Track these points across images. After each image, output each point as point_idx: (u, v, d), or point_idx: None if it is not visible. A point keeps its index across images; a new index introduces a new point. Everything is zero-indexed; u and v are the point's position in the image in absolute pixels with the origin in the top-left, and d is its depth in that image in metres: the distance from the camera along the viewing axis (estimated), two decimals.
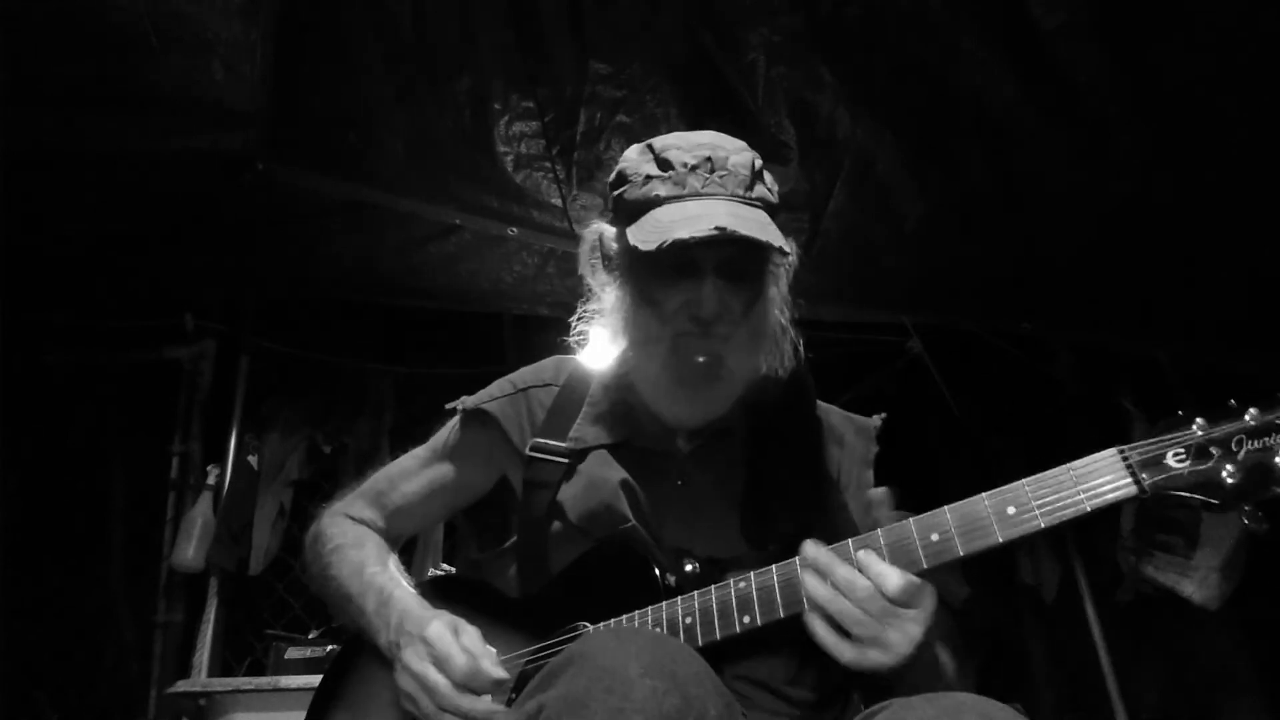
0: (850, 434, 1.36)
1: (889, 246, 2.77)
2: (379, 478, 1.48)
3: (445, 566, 3.16)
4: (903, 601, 0.96)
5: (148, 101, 2.26)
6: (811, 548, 1.02)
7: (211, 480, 3.36)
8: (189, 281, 3.41)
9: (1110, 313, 3.00)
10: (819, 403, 1.38)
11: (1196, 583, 3.01)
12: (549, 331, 3.52)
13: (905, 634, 0.96)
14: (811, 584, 1.00)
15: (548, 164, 2.58)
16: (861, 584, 0.97)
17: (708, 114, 2.31)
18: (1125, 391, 3.30)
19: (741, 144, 1.27)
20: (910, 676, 0.98)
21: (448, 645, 1.11)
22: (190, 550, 3.18)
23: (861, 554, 0.99)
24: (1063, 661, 3.72)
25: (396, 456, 1.51)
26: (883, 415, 1.38)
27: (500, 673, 1.10)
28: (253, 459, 3.43)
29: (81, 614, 3.20)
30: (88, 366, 3.32)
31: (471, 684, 1.09)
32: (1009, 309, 3.12)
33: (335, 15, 2.16)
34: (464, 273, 3.26)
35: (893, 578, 0.96)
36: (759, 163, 1.26)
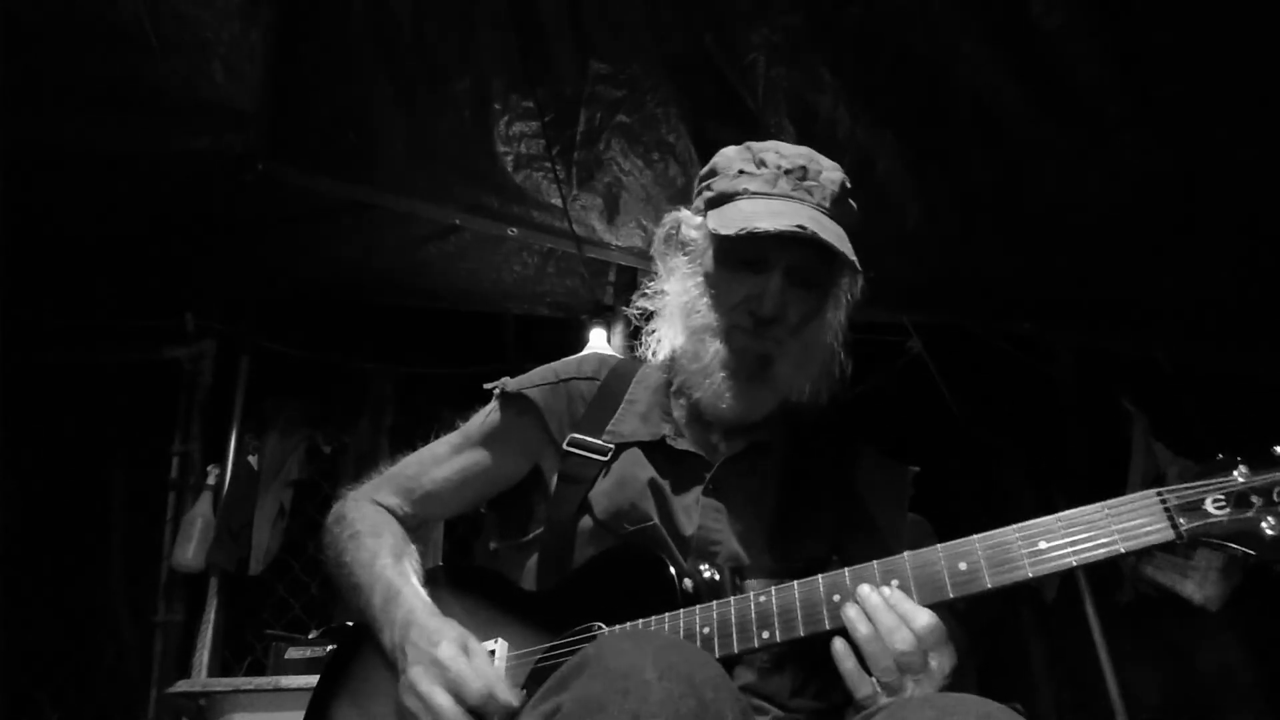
0: (886, 471, 1.37)
1: (889, 246, 2.76)
2: (409, 462, 1.45)
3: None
4: (929, 643, 0.96)
5: (148, 102, 2.26)
6: (867, 589, 1.00)
7: (211, 480, 3.36)
8: (189, 281, 3.41)
9: (1110, 313, 2.99)
10: (859, 441, 1.39)
11: (1197, 583, 3.01)
12: (549, 331, 3.55)
13: (919, 690, 0.96)
14: (854, 617, 0.99)
15: (548, 164, 2.57)
16: (903, 635, 0.96)
17: (708, 114, 2.31)
18: (1125, 391, 3.30)
19: (836, 164, 1.31)
20: None
21: (461, 669, 1.07)
22: (190, 550, 3.18)
23: (889, 591, 0.99)
24: (1063, 661, 3.72)
25: (396, 457, 1.50)
26: (917, 468, 1.39)
27: (514, 699, 1.06)
28: (253, 459, 3.44)
29: (81, 614, 3.20)
30: (88, 366, 3.33)
31: (485, 708, 1.05)
32: (1009, 309, 3.11)
33: (335, 15, 2.16)
34: (464, 273, 3.26)
35: (922, 616, 0.97)
36: (849, 185, 1.30)
